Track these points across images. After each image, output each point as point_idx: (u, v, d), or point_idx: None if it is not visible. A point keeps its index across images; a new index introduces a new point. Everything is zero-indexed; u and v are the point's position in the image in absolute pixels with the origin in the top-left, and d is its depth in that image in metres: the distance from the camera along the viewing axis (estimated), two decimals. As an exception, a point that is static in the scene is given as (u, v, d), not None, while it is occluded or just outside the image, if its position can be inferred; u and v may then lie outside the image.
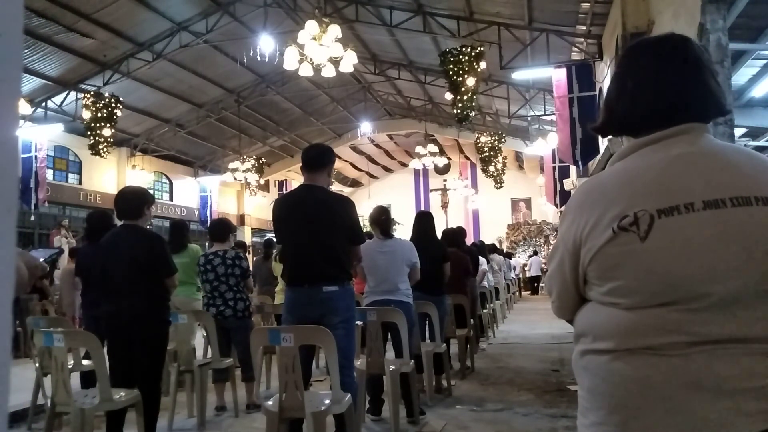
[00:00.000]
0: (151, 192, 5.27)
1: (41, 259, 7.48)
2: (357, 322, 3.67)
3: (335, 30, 7.92)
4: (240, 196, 22.61)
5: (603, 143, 9.25)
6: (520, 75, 12.21)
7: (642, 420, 0.99)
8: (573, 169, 12.89)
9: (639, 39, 1.27)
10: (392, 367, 3.97)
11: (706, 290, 0.97)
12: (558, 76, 9.66)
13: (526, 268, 20.74)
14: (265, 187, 22.59)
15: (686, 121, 1.09)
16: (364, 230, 4.23)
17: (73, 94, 13.63)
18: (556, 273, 1.18)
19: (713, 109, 1.13)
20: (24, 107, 12.32)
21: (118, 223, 3.78)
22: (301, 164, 3.54)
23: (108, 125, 12.91)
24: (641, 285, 1.00)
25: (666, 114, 1.10)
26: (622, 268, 1.02)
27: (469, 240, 9.53)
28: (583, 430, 1.10)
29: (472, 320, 6.35)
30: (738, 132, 7.55)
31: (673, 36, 1.17)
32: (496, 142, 17.11)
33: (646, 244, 0.99)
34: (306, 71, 8.35)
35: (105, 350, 3.43)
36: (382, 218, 4.56)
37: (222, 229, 5.06)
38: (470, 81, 10.17)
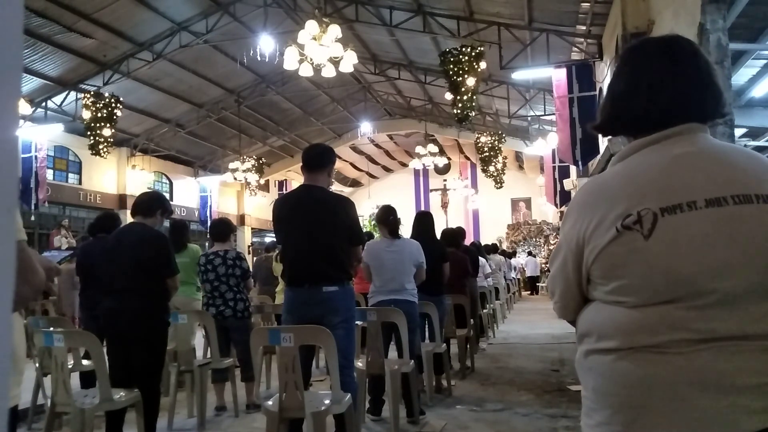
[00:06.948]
0: (151, 192, 5.36)
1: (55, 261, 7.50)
2: (357, 322, 3.68)
3: (335, 30, 7.92)
4: (240, 196, 22.60)
5: (603, 143, 9.24)
6: (520, 75, 12.20)
7: (648, 419, 0.99)
8: (573, 169, 12.88)
9: (638, 40, 1.27)
10: (394, 367, 3.97)
11: (710, 287, 0.97)
12: (558, 76, 9.66)
13: (525, 268, 20.73)
14: (265, 187, 22.58)
15: (685, 121, 1.10)
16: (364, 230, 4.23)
17: (73, 94, 13.62)
18: (558, 273, 1.18)
19: (712, 110, 1.14)
20: (24, 107, 12.31)
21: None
22: (301, 164, 3.54)
23: (108, 125, 12.90)
24: (645, 283, 1.01)
25: (666, 115, 1.11)
26: (626, 267, 1.02)
27: (468, 240, 9.53)
28: (588, 431, 1.10)
29: (472, 320, 6.35)
30: (738, 132, 7.54)
31: (672, 37, 1.18)
32: (496, 142, 17.10)
33: (649, 243, 1.00)
34: (306, 71, 8.35)
35: (104, 349, 3.43)
36: (390, 218, 4.56)
37: (223, 228, 5.06)
38: (470, 81, 10.16)
